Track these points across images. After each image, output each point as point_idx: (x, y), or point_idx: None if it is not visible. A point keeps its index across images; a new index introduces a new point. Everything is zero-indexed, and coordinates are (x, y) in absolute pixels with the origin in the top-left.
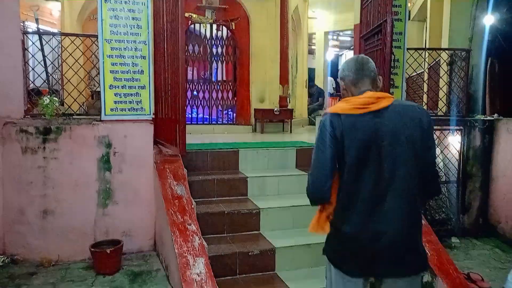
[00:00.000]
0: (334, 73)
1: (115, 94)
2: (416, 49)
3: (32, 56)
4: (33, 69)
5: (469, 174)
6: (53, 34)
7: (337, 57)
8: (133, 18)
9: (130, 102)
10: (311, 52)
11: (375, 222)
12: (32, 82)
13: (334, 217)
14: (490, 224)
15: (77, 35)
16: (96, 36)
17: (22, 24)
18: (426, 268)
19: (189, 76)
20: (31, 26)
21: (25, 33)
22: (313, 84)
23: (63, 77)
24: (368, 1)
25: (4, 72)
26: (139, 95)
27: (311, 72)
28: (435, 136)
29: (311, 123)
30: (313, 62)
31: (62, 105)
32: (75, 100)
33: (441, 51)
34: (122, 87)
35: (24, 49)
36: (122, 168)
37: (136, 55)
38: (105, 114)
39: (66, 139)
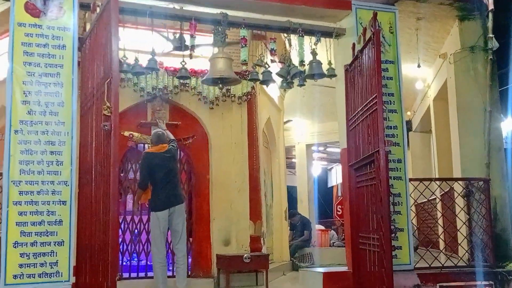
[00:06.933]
0: (324, 195)
1: (22, 255)
2: (421, 180)
3: None
4: None
5: None
6: None
7: (326, 171)
8: (51, 153)
9: (41, 264)
10: (291, 166)
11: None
12: None
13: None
14: None
15: None
16: None
17: None
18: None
19: (129, 207)
20: None
21: None
22: (295, 213)
23: None
24: (354, 123)
25: None
26: (54, 254)
27: (293, 191)
28: None
29: (295, 268)
30: (294, 180)
31: None
32: None
33: (453, 181)
34: (32, 244)
35: None
36: None
37: (54, 199)
38: (5, 284)
39: None
